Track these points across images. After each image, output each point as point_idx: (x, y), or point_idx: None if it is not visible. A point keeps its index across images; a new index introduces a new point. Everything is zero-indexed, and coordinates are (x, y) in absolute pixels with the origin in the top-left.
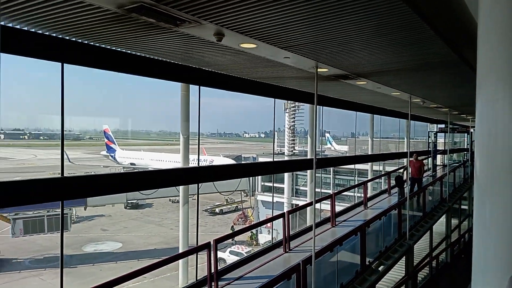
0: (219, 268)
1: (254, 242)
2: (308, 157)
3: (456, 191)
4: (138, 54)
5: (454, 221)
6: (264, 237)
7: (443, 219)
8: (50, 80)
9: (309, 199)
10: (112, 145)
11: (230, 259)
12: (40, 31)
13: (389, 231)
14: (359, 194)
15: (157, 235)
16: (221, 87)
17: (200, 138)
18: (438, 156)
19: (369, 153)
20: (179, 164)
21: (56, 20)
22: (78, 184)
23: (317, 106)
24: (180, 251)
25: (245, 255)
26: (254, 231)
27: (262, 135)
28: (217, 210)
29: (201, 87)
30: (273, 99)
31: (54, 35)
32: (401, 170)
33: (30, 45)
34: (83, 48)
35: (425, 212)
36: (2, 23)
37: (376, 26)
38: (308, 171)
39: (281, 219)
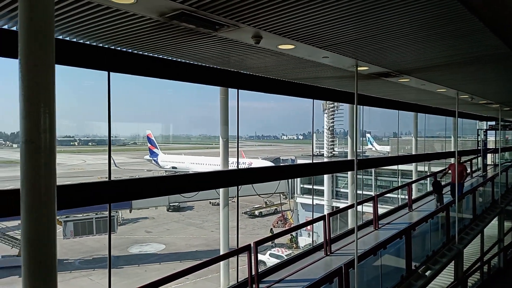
0: (259, 270)
1: (294, 245)
2: (349, 158)
3: (509, 192)
4: (179, 60)
5: (507, 224)
6: (304, 240)
7: (495, 221)
8: (97, 89)
9: (350, 201)
10: (155, 150)
11: (270, 261)
12: (88, 42)
13: (437, 235)
14: (403, 196)
15: (199, 237)
16: (259, 90)
17: (239, 141)
18: (489, 155)
19: (413, 153)
20: (218, 167)
21: (102, 31)
22: (125, 187)
23: (357, 105)
24: (221, 253)
25: (285, 258)
26: (294, 233)
27: (300, 137)
28: (256, 212)
29: (239, 90)
30: (312, 100)
31: (101, 45)
32: (440, 174)
33: (79, 56)
34: (127, 57)
35: (476, 214)
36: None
37: (421, 20)
38: (349, 172)
39: (322, 221)
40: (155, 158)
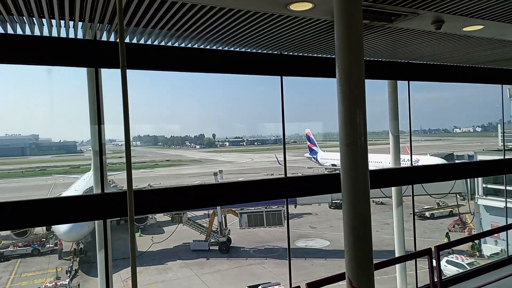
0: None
1: (477, 253)
2: None
3: None
4: None
5: None
6: (490, 248)
7: None
8: (269, 93)
9: None
10: (314, 148)
11: (448, 269)
12: (259, 51)
13: None
14: None
15: None
16: (433, 79)
17: (401, 136)
18: None
19: None
20: (381, 165)
21: (272, 38)
22: (298, 184)
23: None
24: (396, 255)
25: (467, 266)
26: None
27: (478, 129)
28: (427, 214)
29: (410, 82)
30: (500, 85)
31: (270, 52)
32: None
33: (253, 64)
34: (297, 60)
35: None
36: (220, 47)
37: None
38: None
39: None
40: (315, 156)
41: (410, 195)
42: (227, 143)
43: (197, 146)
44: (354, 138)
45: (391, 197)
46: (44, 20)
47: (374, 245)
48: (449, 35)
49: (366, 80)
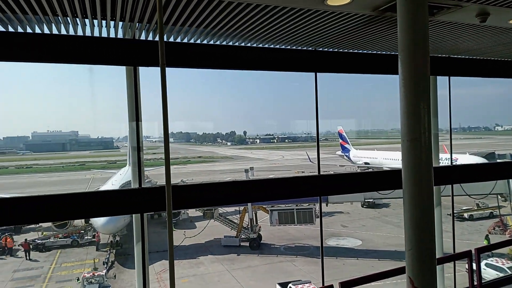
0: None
1: None
2: None
3: None
4: (379, 53)
5: None
6: None
7: None
8: (301, 90)
9: None
10: (346, 145)
11: (487, 272)
12: (294, 47)
13: None
14: None
15: (397, 237)
16: (475, 75)
17: (440, 134)
18: None
19: None
20: None
21: (307, 34)
22: (331, 181)
23: None
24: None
25: (508, 270)
26: None
27: None
28: (465, 215)
29: (451, 77)
30: None
31: (305, 48)
32: None
33: (287, 60)
34: (332, 56)
35: None
36: (254, 45)
37: None
38: None
39: None
40: (347, 154)
41: (449, 195)
42: (257, 140)
43: (228, 143)
44: (418, 133)
45: None
46: (86, 21)
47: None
48: (494, 28)
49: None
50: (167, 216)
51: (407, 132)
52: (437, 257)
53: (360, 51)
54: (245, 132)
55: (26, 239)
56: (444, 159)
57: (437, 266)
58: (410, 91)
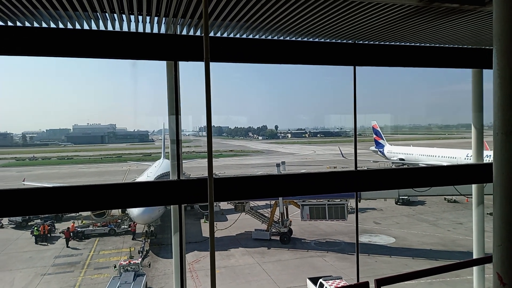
0: None
1: None
2: None
3: None
4: (423, 45)
5: None
6: None
7: None
8: (338, 83)
9: None
10: (380, 141)
11: None
12: (333, 40)
13: None
14: None
15: (432, 235)
16: None
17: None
18: None
19: None
20: (455, 160)
21: (347, 27)
22: (368, 177)
23: None
24: (474, 257)
25: None
26: None
27: None
28: None
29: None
30: None
31: (345, 41)
32: None
33: (326, 54)
34: (372, 49)
35: None
36: (293, 38)
37: None
38: None
39: None
40: (381, 149)
41: (491, 194)
42: (289, 135)
43: (260, 137)
44: None
45: (471, 195)
46: (132, 17)
47: (444, 245)
48: None
49: (445, 69)
50: (209, 207)
51: (501, 125)
52: (477, 257)
53: (403, 44)
54: (276, 127)
55: (68, 228)
56: (489, 156)
57: (477, 266)
58: (506, 81)
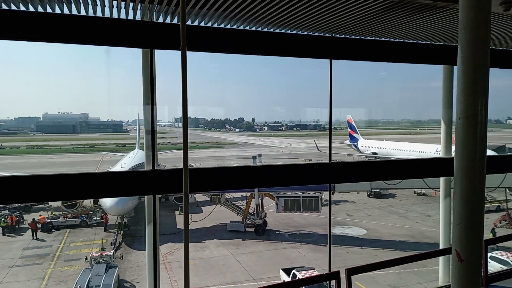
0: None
1: None
2: None
3: None
4: (397, 40)
5: None
6: None
7: None
8: (316, 76)
9: None
10: (355, 135)
11: (491, 265)
12: (310, 33)
13: None
14: None
15: (402, 227)
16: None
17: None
18: None
19: None
20: (425, 155)
21: (324, 20)
22: (343, 169)
23: None
24: (441, 247)
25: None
26: None
27: None
28: None
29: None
30: None
31: (321, 34)
32: None
33: (302, 46)
34: (348, 43)
35: None
36: (271, 29)
37: None
38: None
39: None
40: (355, 143)
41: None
42: (266, 128)
43: (236, 130)
44: (474, 111)
45: (439, 188)
46: (106, 2)
47: (412, 237)
48: None
49: (421, 66)
50: (184, 198)
51: (463, 110)
52: (443, 247)
53: (380, 39)
54: (253, 119)
55: (34, 219)
56: (452, 150)
57: (442, 257)
58: (468, 69)
